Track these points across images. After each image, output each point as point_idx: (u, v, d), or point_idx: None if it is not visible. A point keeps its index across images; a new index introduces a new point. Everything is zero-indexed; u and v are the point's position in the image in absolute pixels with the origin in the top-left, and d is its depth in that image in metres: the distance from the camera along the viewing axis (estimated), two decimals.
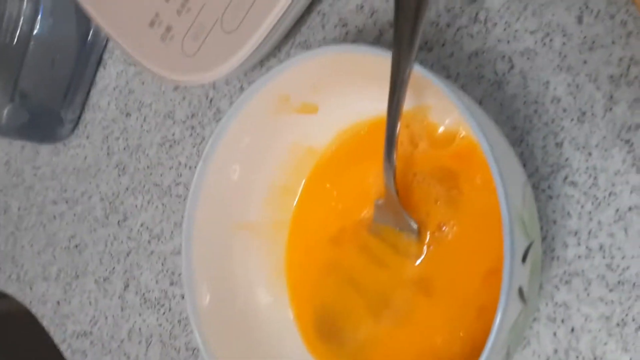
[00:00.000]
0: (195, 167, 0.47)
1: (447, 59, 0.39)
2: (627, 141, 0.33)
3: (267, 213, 0.40)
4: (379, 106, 0.34)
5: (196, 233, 0.38)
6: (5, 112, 0.53)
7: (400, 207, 0.36)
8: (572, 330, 0.34)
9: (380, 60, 0.32)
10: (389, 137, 0.33)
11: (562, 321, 0.35)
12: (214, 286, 0.38)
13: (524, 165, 0.36)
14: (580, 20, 0.35)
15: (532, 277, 0.31)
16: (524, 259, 0.30)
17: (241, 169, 0.39)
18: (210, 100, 0.47)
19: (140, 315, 0.49)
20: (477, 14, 0.38)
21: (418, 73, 0.32)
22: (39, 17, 0.52)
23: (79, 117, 0.54)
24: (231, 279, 0.39)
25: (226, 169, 0.38)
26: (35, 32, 0.52)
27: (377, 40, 0.41)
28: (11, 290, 0.56)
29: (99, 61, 0.53)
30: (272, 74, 0.36)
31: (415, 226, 0.36)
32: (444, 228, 0.36)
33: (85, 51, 0.52)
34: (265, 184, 0.40)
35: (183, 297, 0.46)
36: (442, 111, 0.36)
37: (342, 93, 0.37)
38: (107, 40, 0.52)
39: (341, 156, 0.39)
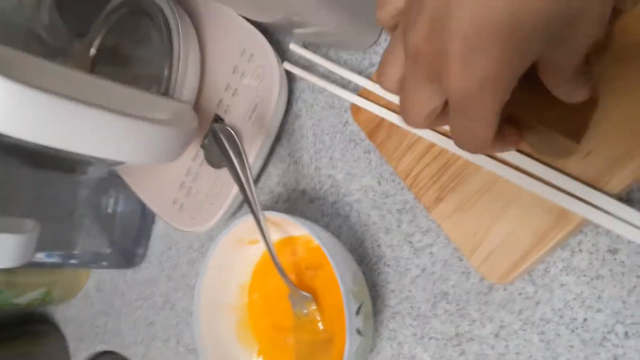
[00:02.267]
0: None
1: (321, 206, 0.42)
2: (410, 242, 0.37)
3: (236, 297, 0.42)
4: (283, 234, 0.38)
5: (201, 311, 0.39)
6: (107, 254, 0.55)
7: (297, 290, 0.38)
8: (399, 343, 0.37)
9: (279, 218, 0.36)
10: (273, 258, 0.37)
11: (393, 339, 0.37)
12: (211, 341, 0.40)
13: (362, 260, 0.39)
14: (379, 182, 0.38)
15: (366, 322, 0.33)
16: (357, 312, 0.32)
17: (221, 274, 0.40)
18: (210, 236, 0.50)
19: (186, 357, 0.50)
20: (331, 188, 0.42)
21: (300, 223, 0.35)
22: (119, 202, 0.55)
23: (145, 252, 0.55)
24: (219, 334, 0.40)
25: (213, 277, 0.40)
26: (118, 209, 0.55)
27: (286, 200, 0.44)
28: (119, 350, 0.57)
29: (152, 221, 0.55)
30: (233, 225, 0.38)
31: (309, 296, 0.38)
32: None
33: (144, 217, 0.55)
34: (235, 283, 0.41)
35: None
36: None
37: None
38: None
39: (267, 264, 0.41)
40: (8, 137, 0.50)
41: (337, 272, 0.32)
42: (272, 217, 0.37)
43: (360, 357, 0.33)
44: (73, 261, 0.54)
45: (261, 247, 0.41)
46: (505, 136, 0.22)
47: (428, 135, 0.33)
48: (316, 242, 0.38)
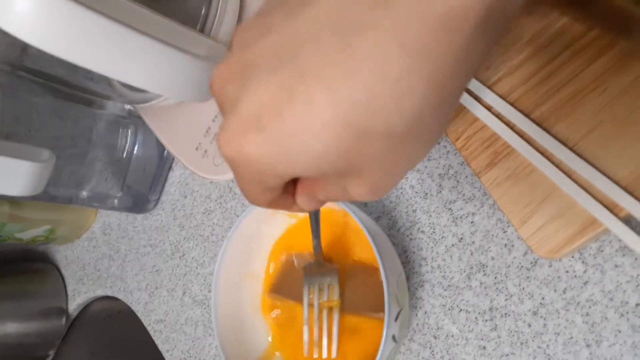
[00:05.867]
0: (222, 225, 0.48)
1: None
2: (450, 209, 0.35)
3: (262, 266, 0.39)
4: None
5: (221, 279, 0.37)
6: (118, 197, 0.53)
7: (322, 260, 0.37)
8: (425, 312, 0.35)
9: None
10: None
11: (419, 308, 0.35)
12: (228, 299, 0.37)
13: (394, 224, 0.37)
14: None
15: (402, 328, 0.31)
16: (396, 319, 0.30)
17: (249, 242, 0.38)
18: (230, 187, 0.48)
19: (192, 309, 0.49)
20: None
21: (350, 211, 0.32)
22: (136, 145, 0.53)
23: (158, 199, 0.53)
24: (237, 296, 0.38)
25: (239, 243, 0.37)
26: (134, 152, 0.52)
27: None
28: (120, 296, 0.55)
29: (170, 167, 0.53)
30: None
31: (335, 268, 0.35)
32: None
33: (162, 162, 0.53)
34: (263, 250, 0.39)
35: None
36: None
37: None
38: (173, 158, 0.53)
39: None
40: (34, 61, 0.47)
41: (383, 274, 0.29)
42: None
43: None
44: (82, 199, 0.52)
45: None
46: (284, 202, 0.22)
47: (483, 115, 0.31)
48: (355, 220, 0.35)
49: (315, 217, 0.31)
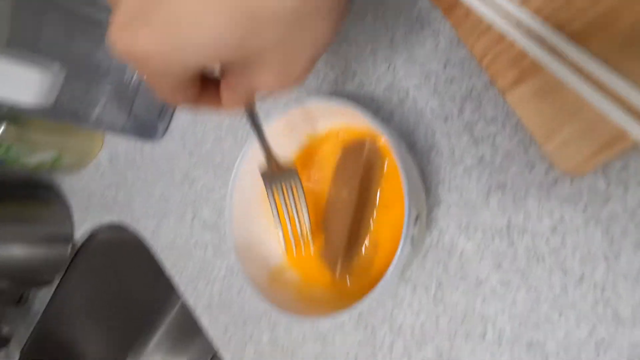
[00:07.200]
0: (233, 153, 0.47)
1: (373, 91, 0.38)
2: (470, 130, 0.34)
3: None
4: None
5: (236, 193, 0.36)
6: (125, 123, 0.52)
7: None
8: (440, 231, 0.34)
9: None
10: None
11: (434, 227, 0.34)
12: (241, 218, 0.37)
13: (411, 148, 0.36)
14: (445, 67, 0.35)
15: (419, 236, 0.31)
16: (415, 222, 0.30)
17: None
18: (242, 116, 0.47)
19: (201, 233, 0.48)
20: (387, 72, 0.38)
21: (369, 118, 0.31)
22: None
23: (167, 127, 0.52)
24: (248, 210, 0.38)
25: (251, 161, 0.37)
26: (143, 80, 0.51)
27: (333, 82, 0.41)
28: (127, 223, 0.55)
29: None
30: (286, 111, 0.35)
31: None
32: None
33: None
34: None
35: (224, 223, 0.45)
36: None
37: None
38: None
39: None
40: None
41: (403, 172, 0.29)
42: (336, 106, 0.33)
43: (411, 256, 0.31)
44: (89, 122, 0.50)
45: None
46: (203, 100, 0.23)
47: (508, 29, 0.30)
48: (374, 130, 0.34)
49: (252, 119, 0.30)
